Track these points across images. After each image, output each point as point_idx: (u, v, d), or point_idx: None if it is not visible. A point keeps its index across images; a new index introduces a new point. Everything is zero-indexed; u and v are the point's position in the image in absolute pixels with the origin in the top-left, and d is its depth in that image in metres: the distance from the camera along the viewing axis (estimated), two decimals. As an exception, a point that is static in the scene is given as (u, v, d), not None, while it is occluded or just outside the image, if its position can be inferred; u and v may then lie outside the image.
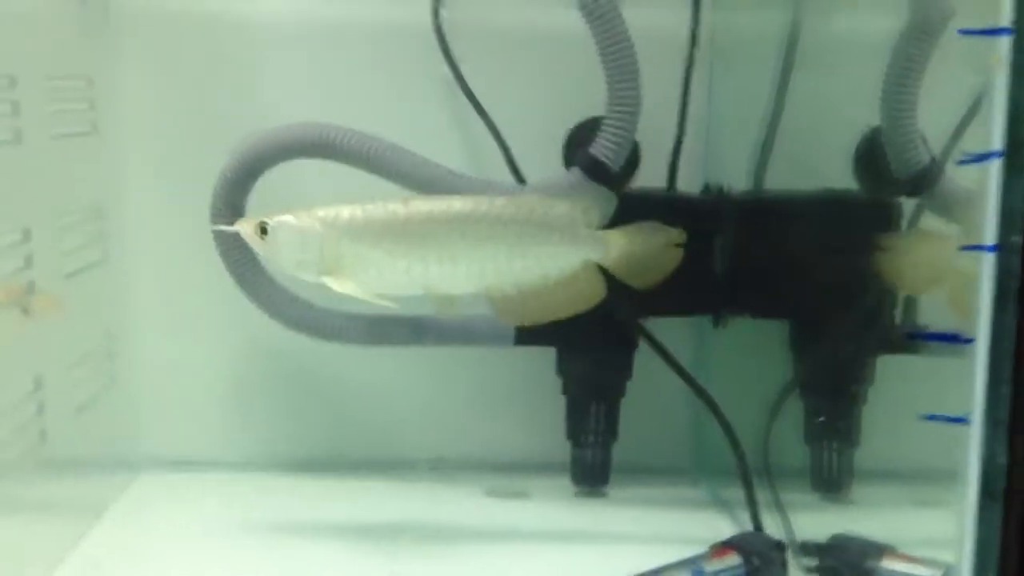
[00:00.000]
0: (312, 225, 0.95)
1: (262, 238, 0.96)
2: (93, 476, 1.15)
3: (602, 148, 1.05)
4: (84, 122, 1.12)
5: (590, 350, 1.18)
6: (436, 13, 1.16)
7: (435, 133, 1.20)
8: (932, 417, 0.71)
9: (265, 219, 0.97)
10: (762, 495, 1.09)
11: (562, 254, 0.97)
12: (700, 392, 1.16)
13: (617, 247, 0.97)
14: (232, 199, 1.08)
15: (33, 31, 0.99)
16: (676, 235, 0.98)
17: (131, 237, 1.21)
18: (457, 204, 0.95)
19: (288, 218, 0.96)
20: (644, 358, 1.18)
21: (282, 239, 0.96)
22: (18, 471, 0.94)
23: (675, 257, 0.98)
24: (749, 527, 1.07)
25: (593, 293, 0.98)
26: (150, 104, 1.20)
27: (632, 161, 1.08)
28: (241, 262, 1.10)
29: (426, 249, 0.95)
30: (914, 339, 0.86)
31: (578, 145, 1.09)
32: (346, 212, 0.96)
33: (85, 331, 1.12)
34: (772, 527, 1.05)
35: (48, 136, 1.01)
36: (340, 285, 0.96)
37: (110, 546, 1.06)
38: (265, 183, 1.09)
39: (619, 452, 1.21)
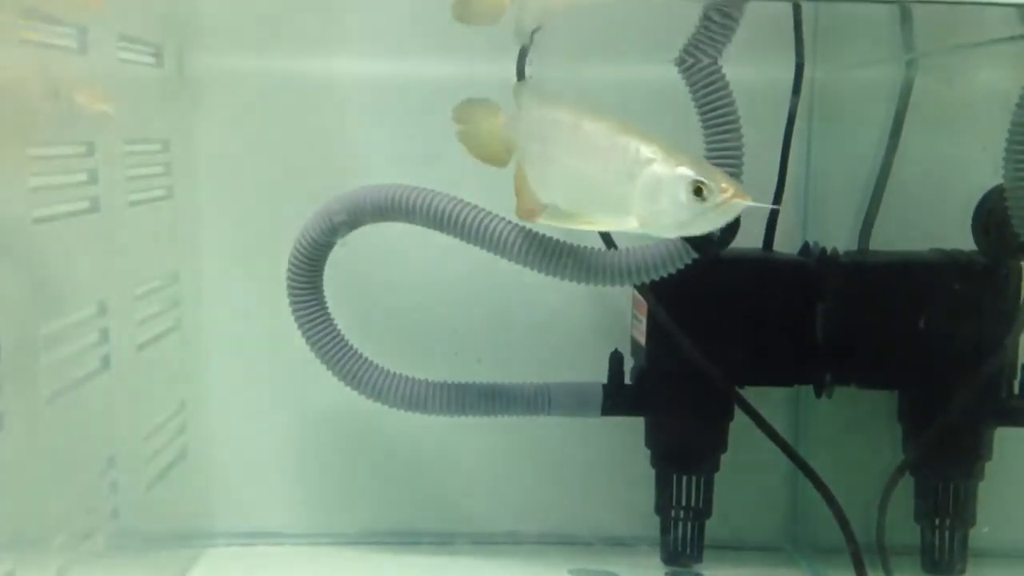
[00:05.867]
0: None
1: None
2: (164, 550, 1.12)
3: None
4: (160, 187, 1.10)
5: (682, 421, 1.12)
6: (521, 70, 1.12)
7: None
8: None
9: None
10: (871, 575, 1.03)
11: None
12: (802, 466, 1.10)
13: None
14: (310, 264, 1.05)
15: (109, 96, 0.97)
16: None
17: (204, 303, 1.18)
18: None
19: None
20: (739, 429, 1.12)
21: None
22: (90, 550, 0.90)
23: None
24: (856, 610, 1.01)
25: None
26: (225, 167, 1.17)
27: (732, 225, 1.02)
28: (317, 327, 1.06)
29: None
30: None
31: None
32: None
33: (158, 403, 1.09)
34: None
35: (125, 203, 0.99)
36: None
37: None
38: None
39: (712, 528, 1.15)
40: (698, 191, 0.76)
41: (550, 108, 0.87)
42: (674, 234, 0.82)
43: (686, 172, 0.76)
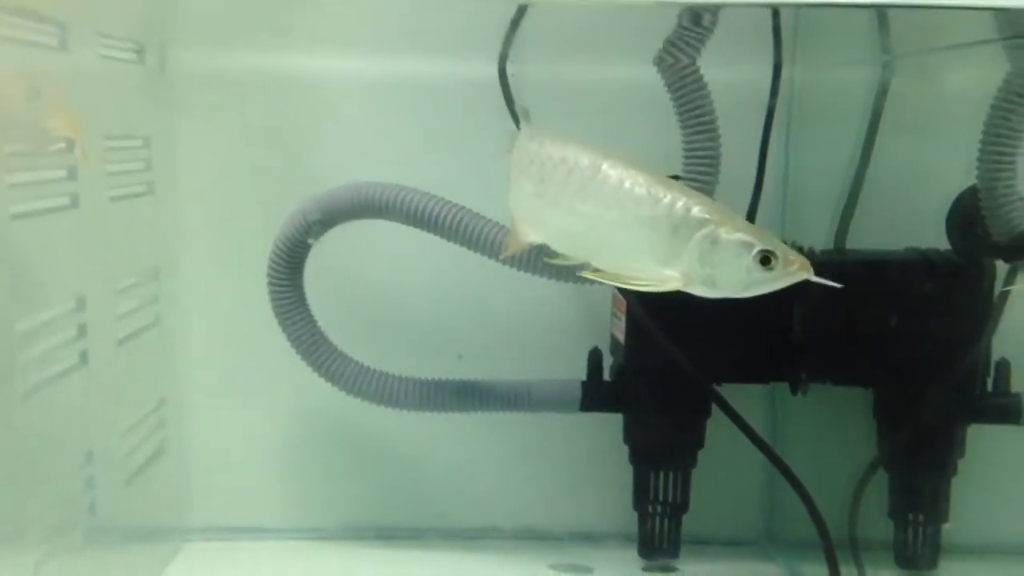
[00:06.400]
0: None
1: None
2: (142, 546, 1.12)
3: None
4: (140, 183, 1.09)
5: (659, 417, 1.13)
6: (503, 68, 1.12)
7: (501, 193, 1.15)
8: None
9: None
10: (843, 571, 1.04)
11: None
12: (777, 462, 1.10)
13: None
14: (291, 261, 1.05)
15: (89, 92, 0.97)
16: None
17: (184, 300, 1.18)
18: None
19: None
20: (716, 426, 1.13)
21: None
22: (68, 545, 0.90)
23: None
24: (829, 605, 1.02)
25: None
26: (207, 163, 1.17)
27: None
28: (298, 324, 1.07)
29: None
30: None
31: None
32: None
33: (137, 399, 1.09)
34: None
35: (105, 199, 0.99)
36: None
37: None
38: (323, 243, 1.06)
39: (689, 524, 1.15)
40: (765, 260, 0.76)
41: (557, 146, 0.85)
42: (721, 295, 0.81)
43: (750, 240, 0.76)
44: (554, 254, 0.87)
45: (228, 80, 1.16)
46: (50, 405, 0.87)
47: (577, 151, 0.83)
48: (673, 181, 0.82)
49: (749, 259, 0.76)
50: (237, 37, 1.15)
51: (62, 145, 0.90)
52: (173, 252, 1.16)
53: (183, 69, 1.15)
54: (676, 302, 0.91)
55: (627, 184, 0.79)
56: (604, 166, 0.81)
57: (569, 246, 0.85)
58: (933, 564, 1.11)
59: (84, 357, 0.94)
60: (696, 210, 0.77)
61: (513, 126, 0.89)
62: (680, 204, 0.78)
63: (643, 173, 0.80)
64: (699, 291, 0.79)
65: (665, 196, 0.78)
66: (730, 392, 1.12)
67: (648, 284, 0.80)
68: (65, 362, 0.91)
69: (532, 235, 0.88)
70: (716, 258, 0.77)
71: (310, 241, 1.05)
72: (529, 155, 0.86)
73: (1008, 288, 1.01)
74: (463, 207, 1.03)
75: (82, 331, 0.94)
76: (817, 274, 0.77)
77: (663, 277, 0.79)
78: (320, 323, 1.09)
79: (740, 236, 0.76)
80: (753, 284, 0.77)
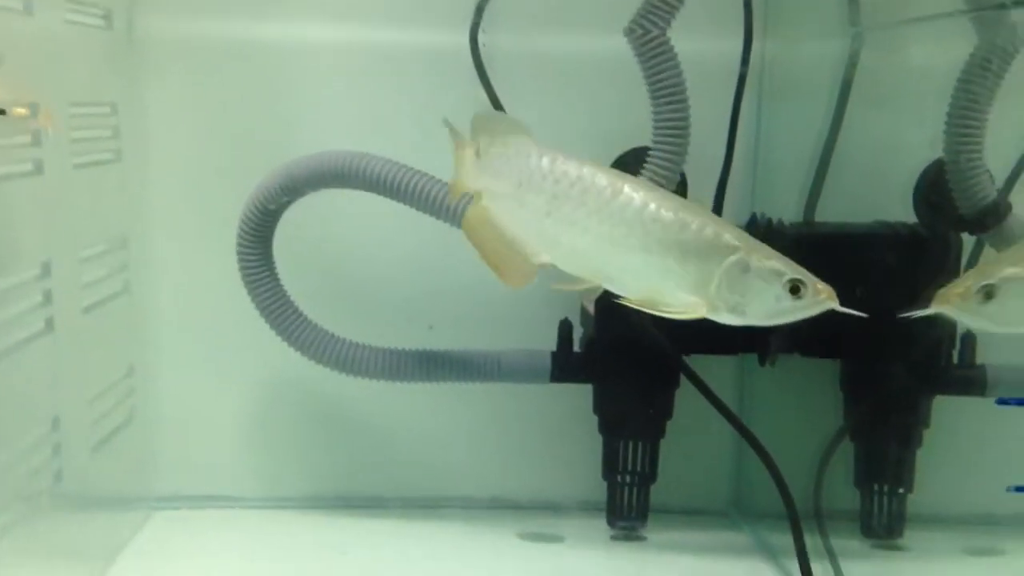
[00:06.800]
0: None
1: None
2: (110, 514, 1.11)
3: (648, 179, 1.01)
4: (107, 150, 1.08)
5: (628, 388, 1.13)
6: (474, 37, 1.12)
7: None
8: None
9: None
10: (809, 540, 1.05)
11: None
12: (744, 432, 1.11)
13: None
14: (260, 230, 1.05)
15: (55, 57, 0.96)
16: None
17: (153, 268, 1.17)
18: None
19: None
20: (684, 396, 1.14)
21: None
22: (33, 512, 0.90)
23: None
24: (795, 575, 1.03)
25: None
26: (175, 131, 1.16)
27: (679, 194, 1.03)
28: (266, 293, 1.07)
29: None
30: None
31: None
32: None
33: (105, 366, 1.08)
34: (820, 576, 1.02)
35: (70, 165, 0.98)
36: None
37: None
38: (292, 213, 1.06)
39: (657, 494, 1.16)
40: (794, 289, 0.77)
41: (573, 164, 0.82)
42: (746, 323, 0.81)
43: (781, 268, 0.77)
44: (565, 278, 0.85)
45: (197, 46, 1.14)
46: (15, 371, 0.87)
47: (593, 169, 0.81)
48: (700, 206, 0.82)
49: (779, 287, 0.77)
50: (206, 3, 1.14)
51: (25, 111, 0.89)
52: (142, 220, 1.15)
53: (151, 35, 1.13)
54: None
55: (652, 207, 0.78)
56: (626, 188, 0.79)
57: (582, 268, 0.83)
58: (899, 533, 1.12)
59: (50, 324, 0.93)
60: (727, 236, 0.77)
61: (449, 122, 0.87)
62: (709, 230, 0.77)
63: (668, 196, 0.80)
64: (724, 318, 0.79)
65: (693, 222, 0.77)
66: (699, 363, 1.12)
67: (672, 311, 0.80)
68: (30, 328, 0.90)
69: (543, 256, 0.85)
70: (746, 285, 0.77)
71: (271, 207, 1.04)
72: (540, 171, 0.82)
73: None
74: (427, 174, 1.03)
75: (48, 297, 0.93)
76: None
77: (686, 303, 0.79)
78: (292, 294, 1.08)
79: (772, 264, 0.77)
80: (781, 313, 0.78)
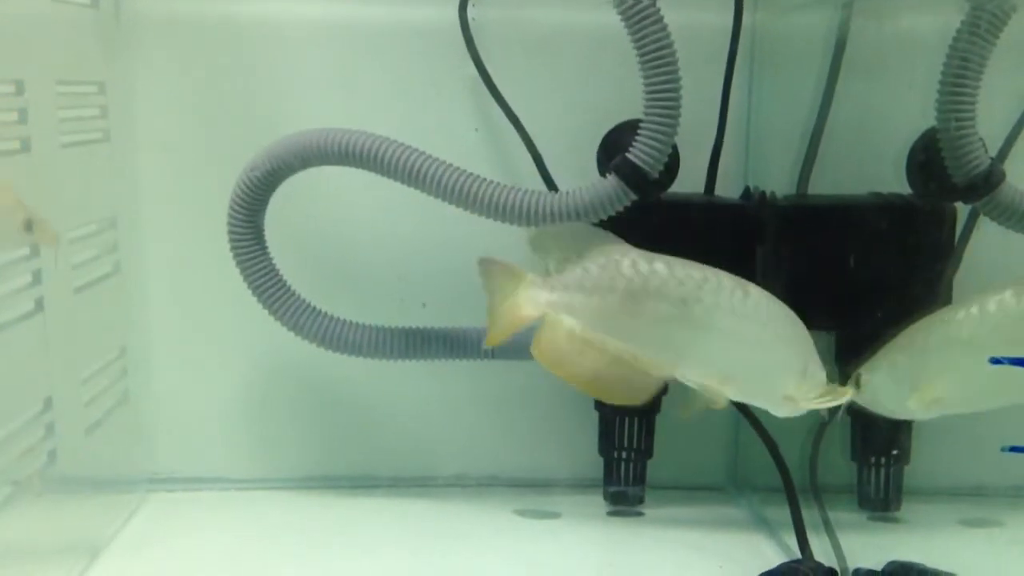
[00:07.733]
0: None
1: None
2: (104, 495, 1.11)
3: (640, 153, 1.00)
4: (95, 129, 1.08)
5: (624, 363, 1.13)
6: (464, 11, 1.11)
7: (462, 137, 1.15)
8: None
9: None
10: (806, 514, 1.06)
11: None
12: (741, 407, 1.11)
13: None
14: (251, 208, 1.04)
15: (41, 35, 0.95)
16: None
17: (144, 248, 1.17)
18: None
19: None
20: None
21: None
22: (27, 493, 0.90)
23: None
24: (792, 548, 1.03)
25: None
26: (165, 110, 1.15)
27: (671, 167, 1.02)
28: (258, 271, 1.06)
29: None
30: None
31: (614, 150, 1.03)
32: None
33: (97, 347, 1.08)
34: (818, 549, 1.01)
35: (58, 144, 0.97)
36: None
37: (122, 568, 1.02)
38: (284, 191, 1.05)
39: (654, 469, 1.16)
40: None
41: (695, 267, 0.86)
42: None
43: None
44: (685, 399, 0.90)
45: (185, 25, 1.13)
46: (4, 350, 0.87)
47: (715, 271, 0.86)
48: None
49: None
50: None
51: (11, 89, 0.89)
52: (132, 200, 1.15)
53: (139, 13, 1.12)
54: (639, 247, 0.91)
55: (765, 301, 0.86)
56: (751, 288, 0.86)
57: (707, 374, 0.87)
58: (896, 505, 1.13)
59: (40, 304, 0.93)
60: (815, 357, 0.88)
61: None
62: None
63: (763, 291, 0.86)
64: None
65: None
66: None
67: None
68: (19, 308, 0.90)
69: (674, 369, 0.87)
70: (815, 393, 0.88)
71: (262, 185, 1.04)
72: (658, 275, 0.85)
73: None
74: (419, 150, 1.02)
75: (37, 277, 0.92)
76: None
77: (778, 406, 0.90)
78: (285, 273, 1.08)
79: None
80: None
